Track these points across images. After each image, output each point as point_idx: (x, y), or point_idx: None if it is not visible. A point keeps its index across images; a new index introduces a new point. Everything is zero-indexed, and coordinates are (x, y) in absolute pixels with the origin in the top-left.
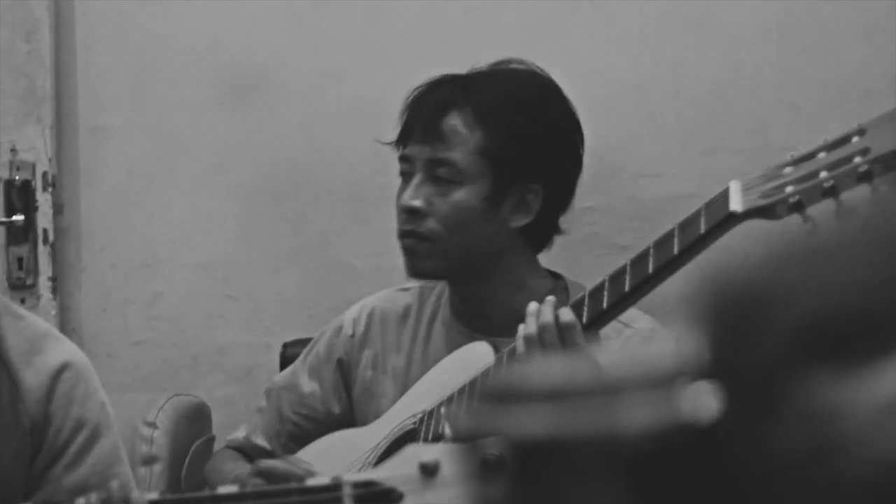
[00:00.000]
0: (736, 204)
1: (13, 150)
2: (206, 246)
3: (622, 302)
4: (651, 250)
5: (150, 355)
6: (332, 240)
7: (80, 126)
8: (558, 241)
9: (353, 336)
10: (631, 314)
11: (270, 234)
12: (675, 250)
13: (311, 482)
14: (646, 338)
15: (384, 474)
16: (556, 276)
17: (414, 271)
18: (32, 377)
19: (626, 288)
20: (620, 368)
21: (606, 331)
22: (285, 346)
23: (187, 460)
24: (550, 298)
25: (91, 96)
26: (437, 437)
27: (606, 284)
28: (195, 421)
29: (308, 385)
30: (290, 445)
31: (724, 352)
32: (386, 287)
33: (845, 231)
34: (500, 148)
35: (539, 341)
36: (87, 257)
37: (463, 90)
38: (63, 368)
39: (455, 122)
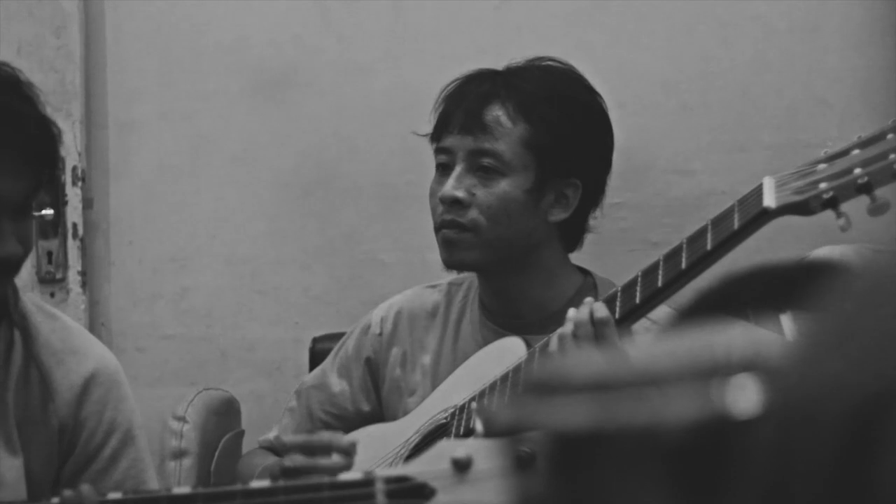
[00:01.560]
0: (770, 200)
1: None
2: (235, 241)
3: (655, 297)
4: (684, 246)
5: (179, 350)
6: (361, 235)
7: (110, 121)
8: (589, 237)
9: (380, 335)
10: (662, 312)
11: (299, 230)
12: (709, 246)
13: (343, 477)
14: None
15: (417, 469)
16: (585, 273)
17: (452, 262)
18: (64, 378)
19: (659, 283)
20: (661, 361)
21: (637, 328)
22: (314, 340)
23: (216, 454)
24: (589, 300)
25: (120, 92)
26: (469, 432)
27: (639, 280)
28: (224, 415)
29: (338, 384)
30: None
31: (782, 455)
32: (414, 282)
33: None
34: (543, 141)
35: (573, 337)
36: (116, 252)
37: (504, 83)
38: (97, 373)
39: (498, 113)
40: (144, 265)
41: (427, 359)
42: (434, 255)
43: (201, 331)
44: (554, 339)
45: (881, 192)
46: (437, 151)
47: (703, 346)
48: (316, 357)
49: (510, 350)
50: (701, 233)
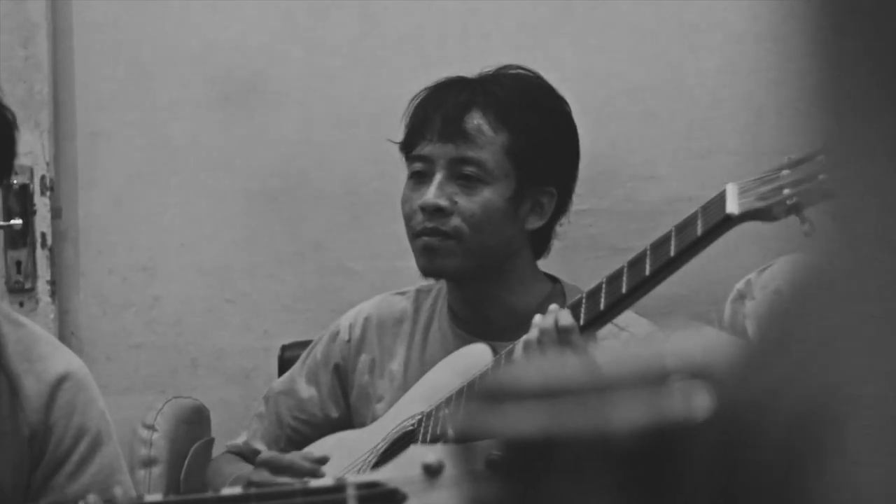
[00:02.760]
0: (732, 206)
1: None
2: (204, 250)
3: (619, 304)
4: (648, 252)
5: (148, 358)
6: (330, 243)
7: (78, 130)
8: (556, 243)
9: (349, 341)
10: (628, 317)
11: (268, 238)
12: (672, 252)
13: (314, 483)
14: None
15: (388, 475)
16: (553, 280)
17: (432, 269)
18: (33, 385)
19: (624, 290)
20: (613, 367)
21: (603, 334)
22: (283, 348)
23: (186, 462)
24: (554, 307)
25: (89, 101)
26: (436, 439)
27: (604, 286)
28: (194, 423)
29: (306, 390)
30: (289, 450)
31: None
32: (384, 289)
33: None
34: (523, 149)
35: (538, 344)
36: (85, 261)
37: (482, 91)
38: (64, 378)
39: (479, 121)
40: (114, 274)
41: (395, 365)
42: (403, 262)
43: (171, 339)
44: (519, 346)
45: None
46: (413, 159)
47: (651, 352)
48: (285, 365)
49: (477, 356)
50: (665, 239)
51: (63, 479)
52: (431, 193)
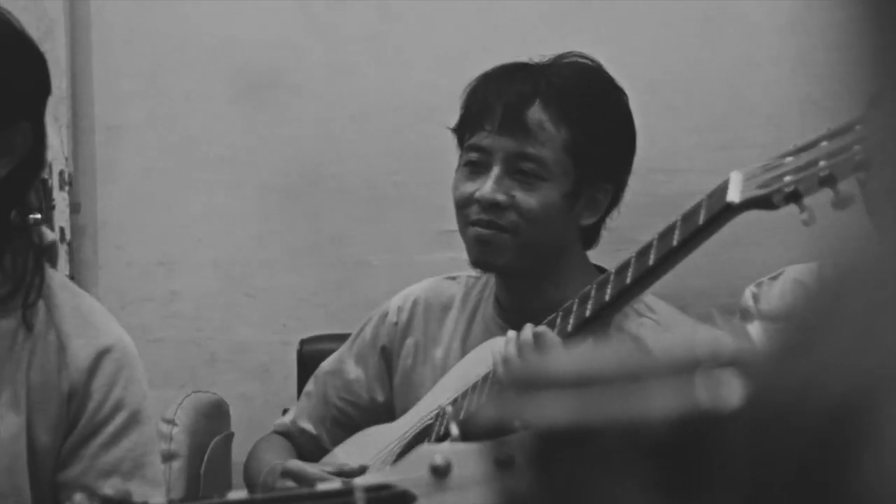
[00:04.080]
0: (734, 195)
1: None
2: (223, 244)
3: (624, 294)
4: (654, 242)
5: (167, 353)
6: (348, 237)
7: (97, 125)
8: None
9: (396, 324)
10: (651, 302)
11: (287, 232)
12: (675, 242)
13: (321, 487)
14: (666, 326)
15: (397, 476)
16: (601, 271)
17: (483, 262)
18: (80, 348)
19: (629, 280)
20: (643, 357)
21: (628, 322)
22: (302, 342)
23: (206, 457)
24: (529, 325)
25: (107, 96)
26: (446, 435)
27: (612, 277)
28: (213, 417)
29: (353, 371)
30: (335, 430)
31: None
32: (402, 284)
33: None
34: (585, 146)
35: (519, 355)
36: (103, 255)
37: (546, 82)
38: (111, 348)
39: (541, 116)
40: (132, 269)
41: (439, 352)
42: (423, 256)
43: (190, 334)
44: (498, 364)
45: (845, 186)
46: (469, 149)
47: (685, 342)
48: (304, 359)
49: (498, 350)
50: (670, 229)
51: (95, 448)
52: (489, 188)
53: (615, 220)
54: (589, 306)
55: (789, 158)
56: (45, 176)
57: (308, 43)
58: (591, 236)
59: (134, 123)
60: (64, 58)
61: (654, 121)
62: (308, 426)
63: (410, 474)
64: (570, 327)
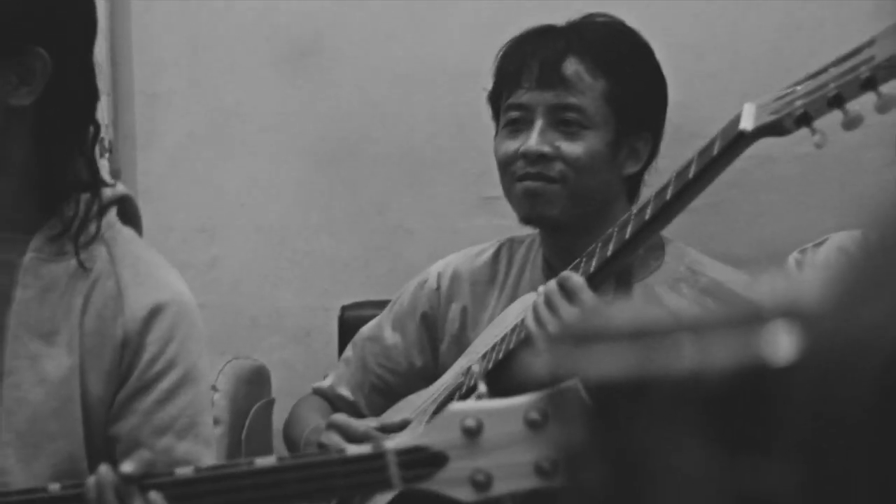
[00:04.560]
0: (747, 123)
1: None
2: (263, 210)
3: (644, 230)
4: (672, 179)
5: (208, 318)
6: (389, 203)
7: (136, 92)
8: None
9: (438, 289)
10: (703, 261)
11: (327, 198)
12: (691, 175)
13: (353, 451)
14: (719, 285)
15: (428, 439)
16: None
17: (534, 214)
18: (139, 298)
19: (647, 216)
20: (699, 309)
21: (678, 277)
22: (343, 308)
23: (247, 423)
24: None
25: (146, 63)
26: (470, 392)
27: (632, 217)
28: (255, 384)
29: (391, 337)
30: (373, 397)
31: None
32: (443, 251)
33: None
34: (622, 95)
35: (547, 307)
36: (145, 222)
37: (578, 37)
38: (169, 303)
39: (577, 67)
40: (173, 235)
41: (485, 317)
42: (464, 222)
43: (231, 300)
44: (529, 317)
45: (853, 106)
46: (508, 108)
47: (741, 293)
48: (345, 325)
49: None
50: (687, 165)
51: (150, 404)
52: (534, 140)
53: (654, 186)
54: (611, 247)
55: (799, 87)
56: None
57: (347, 9)
58: (633, 188)
59: (174, 91)
60: (104, 25)
61: (696, 86)
62: (346, 392)
63: (443, 435)
64: (592, 268)
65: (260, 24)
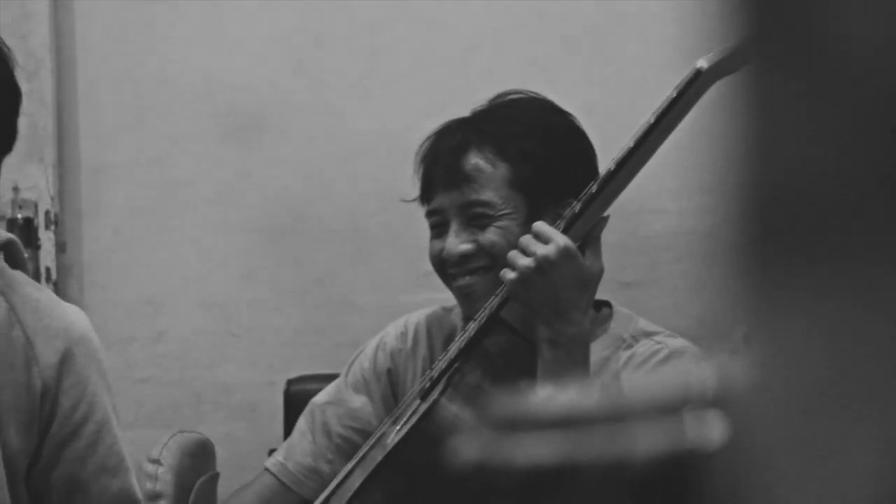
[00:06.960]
0: (702, 63)
1: (15, 189)
2: (209, 284)
3: (611, 180)
4: (637, 131)
5: (153, 393)
6: (334, 277)
7: (82, 165)
8: None
9: (401, 349)
10: (650, 330)
11: (272, 273)
12: (652, 119)
13: None
14: (673, 354)
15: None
16: (602, 304)
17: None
18: (48, 342)
19: (613, 166)
20: (628, 395)
21: (642, 349)
22: (289, 382)
23: (192, 497)
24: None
25: (93, 135)
26: (429, 391)
27: (601, 173)
28: (199, 457)
29: (356, 399)
30: (338, 461)
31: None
32: (388, 324)
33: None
34: (527, 176)
35: (521, 251)
36: (89, 295)
37: (474, 129)
38: (79, 342)
39: (476, 160)
40: (118, 308)
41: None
42: (408, 296)
43: (176, 374)
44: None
45: None
46: (429, 214)
47: (671, 381)
48: (290, 399)
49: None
50: (651, 115)
51: (80, 450)
52: (451, 242)
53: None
54: (580, 204)
55: None
56: (31, 215)
57: (294, 84)
58: None
59: (120, 163)
60: (50, 97)
61: None
62: (306, 460)
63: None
64: (562, 227)
65: (206, 97)
